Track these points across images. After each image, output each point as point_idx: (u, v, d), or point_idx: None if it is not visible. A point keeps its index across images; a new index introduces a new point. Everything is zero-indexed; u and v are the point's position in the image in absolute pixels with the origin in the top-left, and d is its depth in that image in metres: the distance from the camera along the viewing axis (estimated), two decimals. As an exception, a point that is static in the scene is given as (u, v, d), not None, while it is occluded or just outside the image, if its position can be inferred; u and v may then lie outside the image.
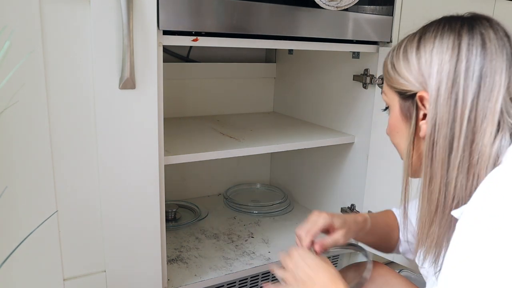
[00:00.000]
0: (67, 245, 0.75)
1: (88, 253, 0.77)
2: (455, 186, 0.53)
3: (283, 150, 1.06)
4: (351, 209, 1.18)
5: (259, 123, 1.30)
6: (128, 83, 0.71)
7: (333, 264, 1.19)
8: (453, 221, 0.54)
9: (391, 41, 1.04)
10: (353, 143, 1.17)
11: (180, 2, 0.74)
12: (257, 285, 1.07)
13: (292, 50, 1.41)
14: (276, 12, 0.85)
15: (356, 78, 1.12)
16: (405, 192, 0.64)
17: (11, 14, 0.62)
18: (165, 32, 0.76)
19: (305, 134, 1.17)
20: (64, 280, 0.76)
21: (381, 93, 0.66)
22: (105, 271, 0.79)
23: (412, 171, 0.62)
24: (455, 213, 0.51)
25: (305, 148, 1.10)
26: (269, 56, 1.50)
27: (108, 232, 0.77)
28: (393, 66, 0.61)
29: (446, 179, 0.54)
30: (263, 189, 1.52)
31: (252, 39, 0.86)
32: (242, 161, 1.49)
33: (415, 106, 0.58)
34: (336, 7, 0.89)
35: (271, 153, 1.54)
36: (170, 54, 1.31)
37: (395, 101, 0.62)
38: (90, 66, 0.70)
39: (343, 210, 1.21)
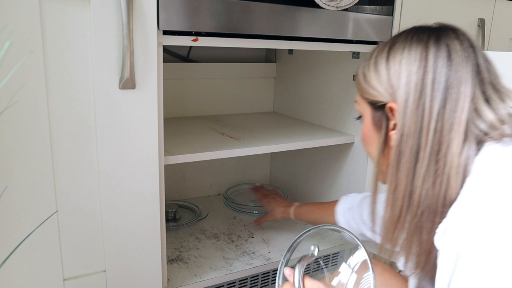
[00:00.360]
0: (67, 245, 0.75)
1: (88, 253, 0.77)
2: (420, 195, 0.55)
3: (283, 150, 1.06)
4: (351, 209, 1.19)
5: (259, 123, 1.30)
6: (128, 83, 0.71)
7: (333, 262, 1.19)
8: (423, 229, 0.55)
9: (391, 41, 1.04)
10: (353, 143, 1.17)
11: (180, 2, 0.75)
12: (257, 285, 1.07)
13: (292, 50, 1.41)
14: (276, 12, 0.85)
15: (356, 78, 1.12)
16: (374, 197, 0.66)
17: (11, 14, 0.62)
18: (165, 32, 0.76)
19: (305, 134, 1.17)
20: (64, 280, 0.76)
21: (354, 102, 0.68)
22: (105, 271, 0.79)
23: (383, 178, 0.63)
24: (439, 230, 0.52)
25: (305, 148, 1.10)
26: (269, 56, 1.51)
27: (108, 232, 0.77)
28: (364, 76, 0.62)
29: (410, 187, 0.56)
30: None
31: (252, 39, 0.86)
32: (242, 161, 1.49)
33: (385, 117, 0.59)
34: (336, 7, 0.89)
35: (271, 153, 1.54)
36: (170, 54, 1.31)
37: (367, 111, 0.63)
38: (90, 66, 0.70)
39: (343, 210, 1.21)
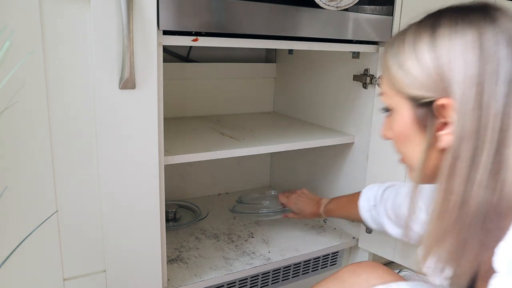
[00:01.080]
0: (67, 245, 0.75)
1: (88, 253, 0.77)
2: (475, 205, 0.48)
3: (283, 150, 1.06)
4: (351, 209, 1.18)
5: (259, 123, 1.30)
6: (128, 83, 0.71)
7: (332, 262, 1.19)
8: (469, 241, 0.49)
9: (391, 41, 1.04)
10: (353, 143, 1.17)
11: (180, 2, 0.74)
12: (257, 285, 1.07)
13: (292, 50, 1.41)
14: (276, 12, 0.85)
15: (356, 78, 1.12)
16: (413, 203, 0.58)
17: (11, 14, 0.62)
18: (165, 32, 0.76)
19: (305, 134, 1.17)
20: (64, 280, 0.76)
21: (380, 94, 0.59)
22: (105, 271, 0.79)
23: (424, 181, 0.56)
24: (501, 251, 0.45)
25: (305, 148, 1.10)
26: (269, 56, 1.50)
27: (108, 232, 0.77)
28: (401, 67, 0.52)
29: (464, 196, 0.48)
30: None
31: (252, 39, 0.86)
32: (242, 161, 1.49)
33: (432, 114, 0.51)
34: (336, 7, 0.89)
35: (271, 153, 1.54)
36: (170, 54, 1.31)
37: (404, 107, 0.54)
38: (90, 66, 0.70)
39: (343, 210, 1.21)
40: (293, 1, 0.86)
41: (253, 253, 1.08)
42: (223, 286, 1.01)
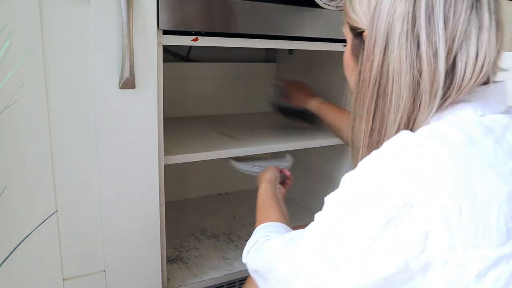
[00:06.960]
0: (67, 245, 0.75)
1: (88, 253, 0.77)
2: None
3: (283, 150, 1.06)
4: (351, 209, 1.18)
5: (259, 123, 1.30)
6: (128, 83, 0.71)
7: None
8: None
9: (391, 41, 1.04)
10: (353, 143, 1.17)
11: (180, 2, 0.74)
12: (257, 285, 1.07)
13: (292, 50, 1.41)
14: (276, 12, 0.85)
15: (356, 78, 1.12)
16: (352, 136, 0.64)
17: (11, 14, 0.62)
18: (165, 32, 0.76)
19: (305, 134, 1.17)
20: (63, 280, 0.76)
21: (342, 24, 0.63)
22: (105, 271, 0.79)
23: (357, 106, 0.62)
24: None
25: (304, 148, 1.10)
26: (269, 56, 1.50)
27: (108, 232, 0.77)
28: (350, 0, 0.56)
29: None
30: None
31: (252, 39, 0.86)
32: (242, 161, 1.49)
33: (362, 45, 0.55)
34: (336, 7, 0.89)
35: (271, 153, 1.54)
36: (170, 54, 1.31)
37: (348, 37, 0.60)
38: (90, 66, 0.70)
39: (343, 210, 1.21)
40: (293, 1, 0.86)
41: (253, 253, 1.08)
42: (222, 286, 1.00)
